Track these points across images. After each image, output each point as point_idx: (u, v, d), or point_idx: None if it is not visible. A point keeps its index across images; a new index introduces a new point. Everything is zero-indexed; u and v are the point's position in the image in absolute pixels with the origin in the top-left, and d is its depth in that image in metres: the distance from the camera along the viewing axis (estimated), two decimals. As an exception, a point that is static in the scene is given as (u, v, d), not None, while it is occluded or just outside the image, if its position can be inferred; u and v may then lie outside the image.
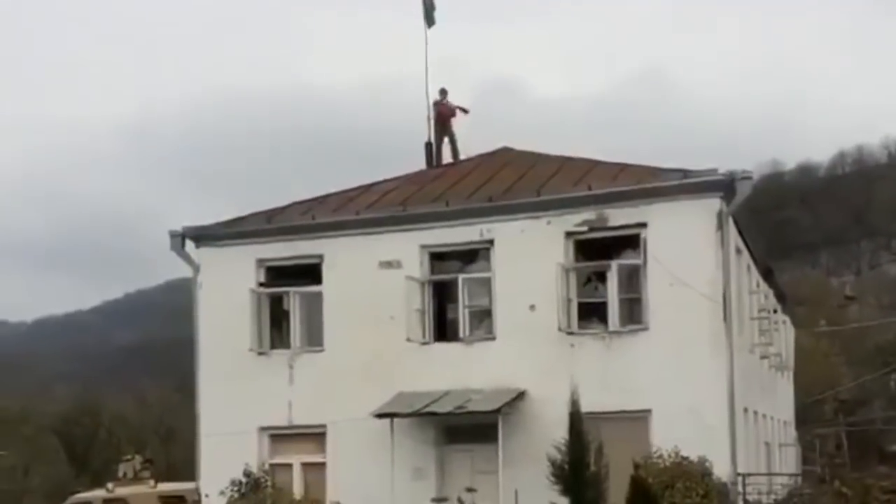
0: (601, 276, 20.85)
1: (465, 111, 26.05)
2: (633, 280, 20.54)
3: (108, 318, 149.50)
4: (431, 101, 25.95)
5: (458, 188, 22.82)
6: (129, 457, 37.38)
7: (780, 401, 30.17)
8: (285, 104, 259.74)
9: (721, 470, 18.50)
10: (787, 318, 32.14)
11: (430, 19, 26.66)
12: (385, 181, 24.40)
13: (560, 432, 18.33)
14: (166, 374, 70.23)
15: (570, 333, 20.34)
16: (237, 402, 22.25)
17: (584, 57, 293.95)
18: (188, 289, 23.69)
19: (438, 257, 21.87)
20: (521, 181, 22.37)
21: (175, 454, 50.85)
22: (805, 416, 42.08)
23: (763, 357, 24.80)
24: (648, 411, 19.60)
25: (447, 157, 25.96)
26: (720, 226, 19.66)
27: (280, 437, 22.37)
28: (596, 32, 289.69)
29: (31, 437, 60.10)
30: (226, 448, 21.79)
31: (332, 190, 24.37)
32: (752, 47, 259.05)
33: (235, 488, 19.93)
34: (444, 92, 25.93)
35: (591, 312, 20.81)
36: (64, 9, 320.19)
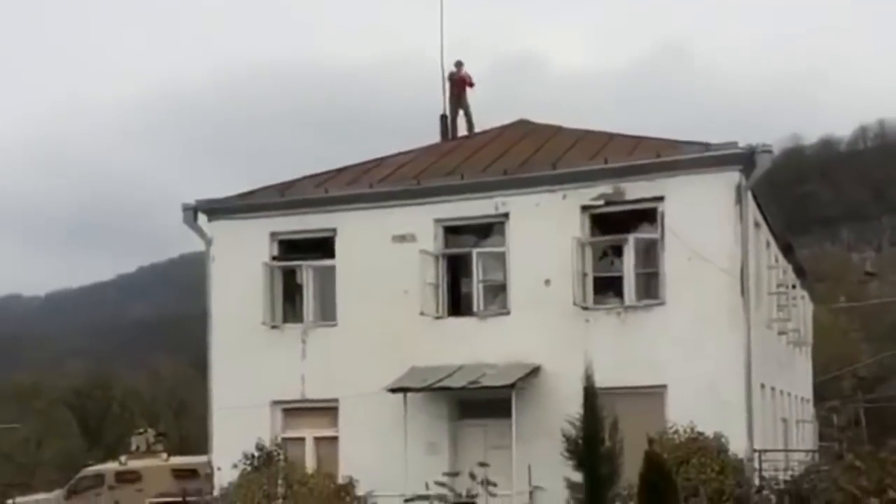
0: (617, 251, 20.78)
1: (471, 84, 25.90)
2: (649, 254, 20.46)
3: (122, 292, 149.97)
4: (447, 74, 25.85)
5: (472, 161, 22.75)
6: (141, 430, 37.72)
7: (798, 377, 30.09)
8: (300, 79, 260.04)
9: (737, 446, 18.46)
10: (805, 294, 31.99)
11: None
12: (399, 154, 24.35)
13: (574, 407, 18.07)
14: (179, 349, 70.50)
15: (586, 308, 20.30)
16: (250, 376, 22.32)
17: (605, 32, 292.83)
18: (201, 263, 23.71)
19: (453, 231, 21.83)
20: (536, 154, 22.28)
21: (188, 428, 51.16)
22: (823, 392, 41.94)
23: (781, 333, 24.72)
24: (664, 387, 19.57)
25: (462, 129, 25.86)
26: (739, 199, 19.55)
27: (293, 411, 22.44)
28: (616, 7, 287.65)
29: (45, 410, 60.51)
30: (238, 422, 21.88)
31: (346, 163, 24.33)
32: (775, 21, 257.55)
33: (248, 462, 20.05)
34: (459, 64, 25.83)
35: (607, 287, 20.76)
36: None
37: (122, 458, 31.68)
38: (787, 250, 26.82)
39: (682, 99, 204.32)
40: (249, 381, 22.33)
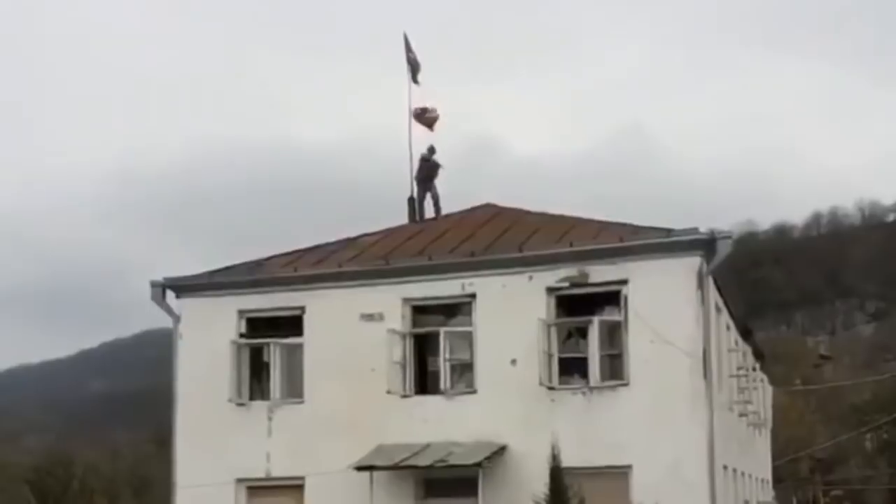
0: (582, 332, 20.86)
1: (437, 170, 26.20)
2: (614, 336, 20.58)
3: (83, 368, 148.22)
4: (417, 157, 26.12)
5: (440, 243, 22.89)
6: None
7: (759, 458, 30.15)
8: (268, 158, 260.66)
9: (701, 527, 18.44)
10: (764, 377, 32.21)
11: (414, 78, 26.90)
12: (367, 235, 24.45)
13: (541, 487, 18.27)
14: (140, 425, 69.60)
15: (551, 388, 20.32)
16: (215, 453, 22.05)
17: (565, 114, 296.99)
18: (164, 339, 23.54)
19: (420, 310, 21.85)
20: (503, 237, 22.47)
21: (149, 506, 50.15)
22: (782, 474, 42.02)
23: (742, 415, 24.83)
24: (629, 467, 19.54)
25: (430, 211, 26.06)
26: (700, 284, 19.77)
27: (258, 489, 22.14)
28: (574, 92, 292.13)
29: (3, 487, 59.21)
30: (202, 500, 21.60)
31: (315, 243, 24.41)
32: (731, 107, 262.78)
33: (212, 541, 19.71)
34: (432, 149, 26.12)
35: (572, 368, 20.81)
36: (56, 57, 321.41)
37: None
38: (747, 334, 27.08)
39: (641, 179, 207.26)
40: (214, 458, 22.05)
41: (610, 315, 20.57)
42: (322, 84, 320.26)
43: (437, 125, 26.41)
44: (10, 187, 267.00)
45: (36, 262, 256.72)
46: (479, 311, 21.11)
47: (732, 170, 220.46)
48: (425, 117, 26.22)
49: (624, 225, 21.79)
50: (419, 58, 27.07)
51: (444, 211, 25.94)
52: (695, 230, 20.03)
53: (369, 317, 21.54)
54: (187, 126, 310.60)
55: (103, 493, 54.94)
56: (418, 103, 26.66)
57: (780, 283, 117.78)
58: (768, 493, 32.41)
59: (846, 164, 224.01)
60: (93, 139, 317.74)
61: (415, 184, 26.15)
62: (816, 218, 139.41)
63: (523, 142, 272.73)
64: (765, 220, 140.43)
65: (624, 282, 20.24)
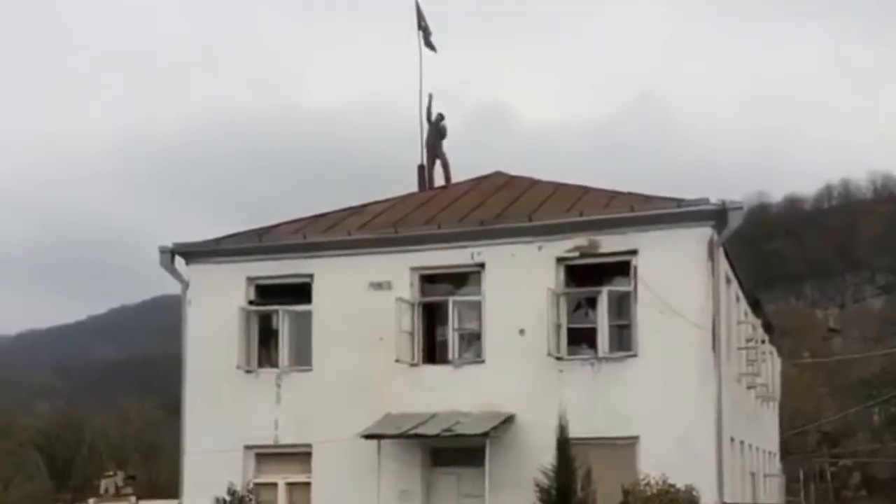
0: (591, 302, 20.84)
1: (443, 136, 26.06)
2: (622, 307, 20.53)
3: (92, 334, 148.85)
4: (425, 125, 26.01)
5: (449, 211, 22.82)
6: (110, 473, 37.25)
7: (766, 431, 30.17)
8: (280, 125, 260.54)
9: (708, 498, 18.47)
10: (773, 349, 32.16)
11: (428, 44, 26.73)
12: (377, 202, 24.38)
13: (548, 457, 18.30)
14: (149, 391, 69.88)
15: (559, 359, 20.31)
16: (223, 420, 22.11)
17: (578, 85, 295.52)
18: (173, 306, 23.56)
19: (429, 279, 21.83)
20: (513, 206, 22.38)
21: (158, 471, 50.53)
22: (789, 446, 42.08)
23: (750, 387, 24.80)
24: (636, 438, 19.57)
25: (440, 180, 25.97)
26: (711, 255, 19.69)
27: (265, 456, 22.23)
28: (589, 60, 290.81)
29: (12, 451, 59.65)
30: (210, 466, 21.63)
31: (324, 210, 24.34)
32: (744, 77, 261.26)
33: (219, 507, 19.81)
34: (440, 116, 26.01)
35: (581, 338, 20.79)
36: (63, 25, 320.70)
37: (91, 501, 31.20)
38: (756, 306, 27.01)
39: (653, 152, 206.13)
40: (222, 425, 22.10)
41: (619, 285, 20.53)
42: (330, 50, 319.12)
43: (453, 94, 26.29)
44: (17, 155, 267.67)
45: (45, 229, 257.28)
46: (488, 280, 21.08)
47: (745, 142, 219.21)
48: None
49: (634, 195, 21.68)
50: (431, 24, 26.93)
51: (454, 179, 25.84)
52: (705, 200, 19.93)
53: (378, 285, 21.52)
54: (194, 93, 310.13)
55: (112, 458, 55.24)
56: (431, 71, 26.54)
57: (791, 255, 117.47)
58: (775, 466, 32.46)
59: (859, 137, 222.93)
60: (101, 107, 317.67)
61: (424, 151, 26.05)
62: (828, 190, 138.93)
63: (535, 111, 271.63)
64: (776, 192, 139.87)
65: (634, 252, 20.17)
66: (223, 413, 22.13)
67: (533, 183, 24.23)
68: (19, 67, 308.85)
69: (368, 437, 20.26)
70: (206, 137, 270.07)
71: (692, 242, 19.76)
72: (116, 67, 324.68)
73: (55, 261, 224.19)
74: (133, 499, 31.74)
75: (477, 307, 21.23)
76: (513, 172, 25.56)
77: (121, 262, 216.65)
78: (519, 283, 20.58)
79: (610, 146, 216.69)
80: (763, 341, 26.56)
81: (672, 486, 17.92)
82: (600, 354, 20.26)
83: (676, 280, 19.72)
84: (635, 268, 20.15)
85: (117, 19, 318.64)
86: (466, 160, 27.64)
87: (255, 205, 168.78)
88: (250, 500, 20.25)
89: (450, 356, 21.26)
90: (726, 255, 20.96)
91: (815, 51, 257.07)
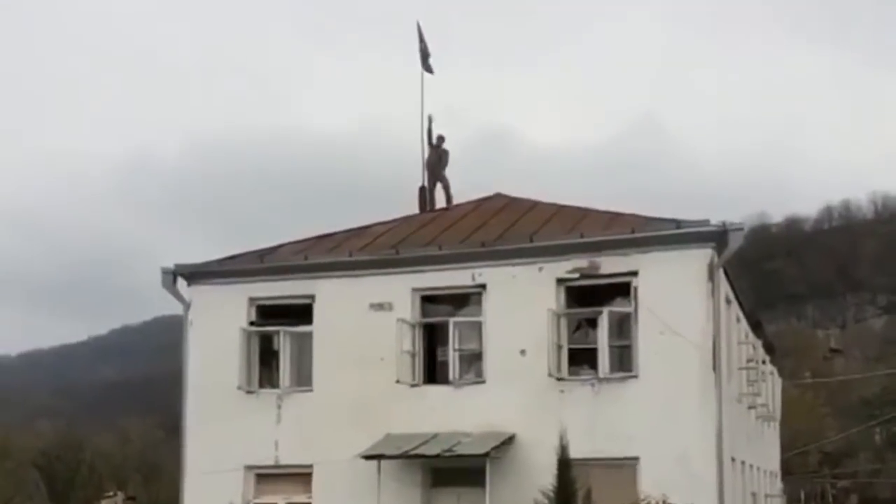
0: (592, 323, 20.88)
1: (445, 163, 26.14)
2: (623, 327, 20.56)
3: (93, 354, 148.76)
4: (426, 147, 26.10)
5: (450, 232, 22.88)
6: (110, 493, 37.23)
7: (767, 451, 30.14)
8: (281, 146, 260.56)
9: (709, 519, 18.45)
10: (774, 370, 32.16)
11: (426, 66, 26.87)
12: (378, 224, 24.44)
13: (548, 478, 18.31)
14: (150, 411, 69.85)
15: (560, 379, 20.33)
16: (224, 440, 22.12)
17: (579, 106, 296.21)
18: (174, 326, 23.59)
19: (430, 300, 21.88)
20: (513, 227, 22.45)
21: (158, 492, 50.41)
22: (790, 467, 41.99)
23: (751, 407, 24.80)
24: (637, 459, 19.55)
25: (441, 201, 26.05)
26: (711, 276, 19.73)
27: (266, 476, 22.21)
28: (590, 82, 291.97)
29: (13, 470, 59.55)
30: (211, 486, 21.65)
31: (326, 231, 24.41)
32: (746, 99, 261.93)
33: (220, 527, 19.81)
34: (441, 139, 26.11)
35: (582, 359, 20.82)
36: (65, 43, 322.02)
37: (91, 522, 31.13)
38: (757, 326, 27.03)
39: (654, 173, 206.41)
40: (223, 445, 22.11)
41: (620, 306, 20.56)
42: (332, 72, 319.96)
43: (454, 115, 26.42)
44: (20, 173, 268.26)
45: (47, 248, 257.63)
46: (489, 301, 21.12)
47: (746, 162, 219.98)
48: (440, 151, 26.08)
49: (635, 216, 21.74)
50: (432, 46, 27.07)
51: (455, 201, 25.91)
52: (706, 222, 20.00)
53: (379, 306, 21.56)
54: (195, 114, 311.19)
55: (112, 479, 55.16)
56: (432, 93, 26.65)
57: (792, 275, 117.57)
58: (776, 486, 32.40)
59: (860, 157, 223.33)
60: (103, 126, 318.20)
61: (425, 172, 26.14)
62: (828, 211, 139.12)
63: (537, 133, 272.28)
64: (777, 213, 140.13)
65: (634, 273, 20.22)
66: (224, 433, 22.13)
67: (534, 204, 24.30)
68: (22, 83, 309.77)
69: (369, 457, 20.27)
70: (207, 158, 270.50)
71: (692, 264, 19.81)
72: (117, 88, 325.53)
73: (57, 281, 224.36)
74: (133, 519, 31.67)
75: (478, 328, 21.27)
76: (514, 194, 25.63)
77: (122, 283, 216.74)
78: (520, 304, 20.62)
79: (611, 167, 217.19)
80: (764, 361, 26.59)
81: (672, 506, 17.91)
82: (601, 375, 20.28)
83: (677, 301, 19.76)
84: (636, 289, 20.20)
85: (120, 40, 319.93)
86: (468, 182, 27.74)
87: (257, 225, 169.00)
88: (251, 520, 20.26)
89: (450, 377, 21.27)
90: (727, 275, 21.00)
91: (816, 72, 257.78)
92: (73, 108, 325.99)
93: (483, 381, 20.97)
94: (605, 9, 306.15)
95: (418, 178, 26.23)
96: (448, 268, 21.43)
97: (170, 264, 23.17)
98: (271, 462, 22.01)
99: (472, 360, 21.44)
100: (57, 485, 60.84)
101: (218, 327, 22.54)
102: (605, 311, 20.50)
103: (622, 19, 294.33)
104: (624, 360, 20.43)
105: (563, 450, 18.35)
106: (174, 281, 23.10)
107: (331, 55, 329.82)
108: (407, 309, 21.48)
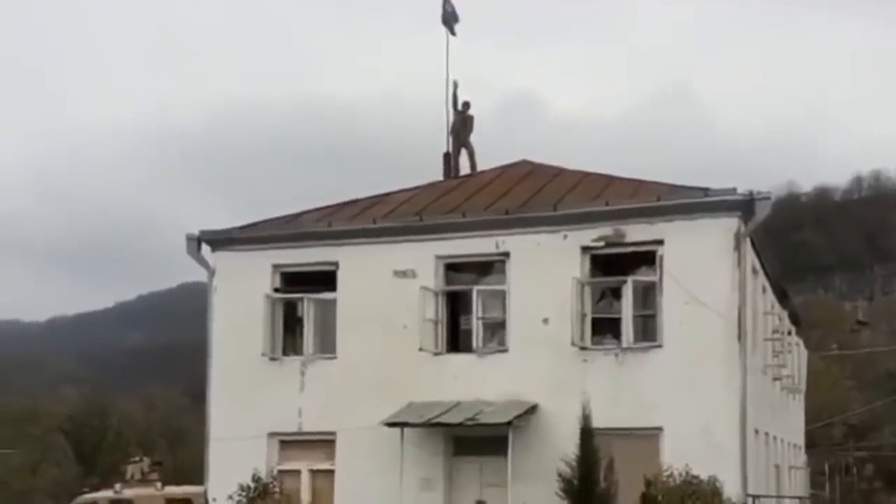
0: (616, 292, 20.78)
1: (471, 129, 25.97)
2: (648, 297, 20.46)
3: (120, 320, 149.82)
4: (451, 113, 25.95)
5: (474, 200, 22.78)
6: (136, 458, 37.47)
7: (791, 423, 30.01)
8: (305, 113, 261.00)
9: (731, 490, 18.39)
10: (800, 341, 31.97)
11: (451, 29, 26.63)
12: (402, 191, 24.36)
13: (571, 447, 18.31)
14: (176, 377, 70.33)
15: (584, 348, 20.27)
16: (248, 407, 22.21)
17: (605, 74, 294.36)
18: (201, 292, 23.64)
19: (453, 268, 21.82)
20: (538, 195, 22.32)
21: (183, 458, 50.78)
22: (814, 439, 41.81)
23: (775, 379, 24.68)
24: (660, 429, 19.51)
25: (465, 168, 25.93)
26: (737, 245, 19.57)
27: (289, 443, 22.31)
28: (618, 50, 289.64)
29: (40, 436, 60.17)
30: (235, 453, 21.73)
31: (349, 198, 24.34)
32: (774, 68, 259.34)
33: (243, 493, 19.97)
34: (466, 105, 25.93)
35: (605, 328, 20.74)
36: (88, 14, 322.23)
37: (117, 487, 31.34)
38: (783, 297, 26.84)
39: (682, 142, 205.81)
40: (247, 412, 22.20)
41: (644, 275, 20.46)
42: (355, 38, 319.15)
43: (480, 83, 26.28)
44: (46, 143, 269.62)
45: (72, 216, 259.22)
46: (513, 269, 21.04)
47: (776, 132, 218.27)
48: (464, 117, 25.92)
49: (661, 184, 21.58)
50: (459, 10, 26.85)
51: (479, 167, 25.80)
52: (732, 190, 19.82)
53: (402, 273, 21.52)
54: (217, 83, 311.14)
55: (138, 445, 55.61)
56: (457, 60, 26.48)
57: (820, 246, 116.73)
58: (801, 458, 32.29)
59: (891, 127, 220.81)
60: (131, 94, 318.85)
61: (450, 139, 26.00)
62: (858, 181, 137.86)
63: (563, 100, 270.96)
64: (806, 183, 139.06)
65: (660, 242, 20.09)
66: (248, 400, 22.22)
67: (558, 172, 24.15)
68: (44, 58, 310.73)
69: (391, 424, 20.30)
70: (230, 126, 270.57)
71: (718, 233, 19.65)
72: (140, 57, 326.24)
73: (83, 248, 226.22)
74: (159, 484, 31.83)
75: (501, 296, 21.21)
76: (538, 161, 25.49)
77: (148, 249, 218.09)
78: (543, 273, 20.54)
79: (637, 136, 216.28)
80: (789, 333, 26.46)
81: (695, 477, 17.88)
82: (624, 345, 20.20)
83: (702, 270, 19.63)
84: (661, 258, 20.07)
85: (144, 9, 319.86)
86: (493, 148, 27.62)
87: (280, 193, 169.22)
88: (274, 487, 20.34)
89: (474, 345, 21.25)
90: (753, 245, 20.83)
91: (849, 41, 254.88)
92: (95, 77, 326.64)
93: (506, 350, 20.93)
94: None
95: (443, 144, 26.12)
96: (472, 235, 21.36)
97: (195, 231, 23.22)
98: (295, 429, 22.10)
99: (496, 329, 21.41)
100: (84, 450, 61.42)
101: (242, 294, 22.58)
102: (630, 280, 20.40)
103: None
104: (648, 330, 20.34)
105: (586, 419, 18.32)
106: (198, 247, 23.14)
107: (354, 21, 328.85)
108: (430, 277, 21.43)
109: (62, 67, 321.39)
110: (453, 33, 26.69)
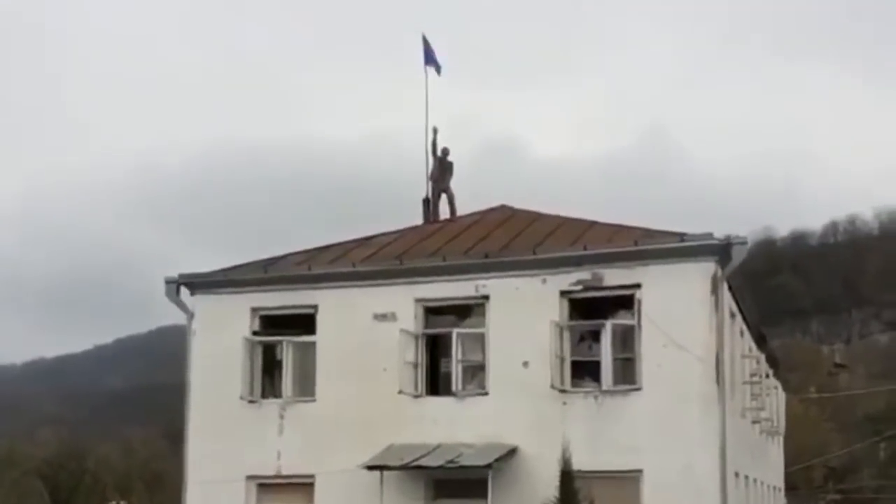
0: (595, 335, 20.81)
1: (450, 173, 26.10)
2: (626, 340, 20.50)
3: (98, 363, 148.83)
4: (430, 159, 26.08)
5: (454, 244, 22.86)
6: (114, 503, 37.12)
7: (771, 466, 30.03)
8: (286, 157, 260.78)
9: (712, 534, 18.37)
10: (778, 384, 32.05)
11: (436, 67, 26.81)
12: (382, 234, 24.44)
13: (551, 490, 18.26)
14: (154, 420, 69.87)
15: (563, 391, 20.27)
16: (226, 450, 22.08)
17: (586, 118, 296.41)
18: (179, 335, 23.58)
19: (433, 311, 21.83)
20: (517, 239, 22.42)
21: (161, 501, 50.42)
22: (795, 481, 41.82)
23: (755, 421, 24.72)
24: (640, 472, 19.47)
25: (445, 212, 26.03)
26: (715, 289, 19.68)
27: (268, 486, 22.15)
28: (598, 94, 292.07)
29: (17, 480, 59.49)
30: (213, 496, 21.65)
31: (330, 242, 24.40)
32: (753, 111, 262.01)
33: (222, 537, 19.77)
34: (445, 151, 26.08)
35: (585, 371, 20.77)
36: (74, 52, 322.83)
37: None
38: (761, 340, 26.96)
39: (661, 184, 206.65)
40: (225, 455, 22.07)
41: (623, 319, 20.50)
42: (338, 84, 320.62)
43: (460, 128, 26.43)
44: (27, 181, 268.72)
45: (52, 256, 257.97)
46: (492, 312, 21.07)
47: (753, 174, 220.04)
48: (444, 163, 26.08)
49: (638, 229, 21.70)
50: (440, 57, 27.07)
51: (459, 212, 25.90)
52: (709, 235, 19.96)
53: (382, 316, 21.54)
54: (200, 124, 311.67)
55: (115, 488, 55.10)
56: (437, 105, 26.67)
57: (797, 290, 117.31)
58: (780, 501, 32.27)
59: (866, 171, 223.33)
60: (108, 135, 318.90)
61: (430, 184, 26.13)
62: (834, 226, 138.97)
63: (544, 144, 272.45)
64: (783, 227, 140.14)
65: (637, 286, 20.17)
66: (226, 443, 22.10)
67: (537, 216, 24.27)
68: (29, 94, 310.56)
69: (371, 468, 20.21)
70: (211, 168, 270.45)
71: (696, 277, 19.75)
72: (124, 96, 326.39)
73: (62, 290, 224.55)
74: (136, 529, 31.63)
75: (481, 339, 21.23)
76: (519, 206, 25.61)
77: (128, 292, 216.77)
78: (523, 316, 20.58)
79: (618, 179, 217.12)
80: (768, 375, 26.48)
81: (675, 520, 17.82)
82: (604, 387, 20.21)
83: (680, 314, 19.70)
84: (639, 301, 20.15)
85: (131, 47, 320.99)
86: (474, 193, 27.77)
87: (261, 235, 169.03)
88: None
89: (453, 388, 21.21)
90: (730, 289, 20.96)
91: (825, 84, 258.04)
92: (80, 115, 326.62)
93: (486, 393, 20.92)
94: (614, 23, 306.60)
95: (423, 189, 26.24)
96: (451, 279, 21.40)
97: (174, 274, 23.18)
98: (273, 472, 21.96)
99: (475, 372, 21.40)
100: (61, 494, 60.76)
101: (221, 337, 22.53)
102: (609, 323, 20.44)
103: (631, 33, 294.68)
104: (627, 373, 20.36)
105: (566, 462, 18.29)
106: (177, 291, 23.10)
107: (337, 66, 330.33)
108: (410, 320, 21.45)
109: (45, 104, 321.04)
110: (438, 72, 26.89)
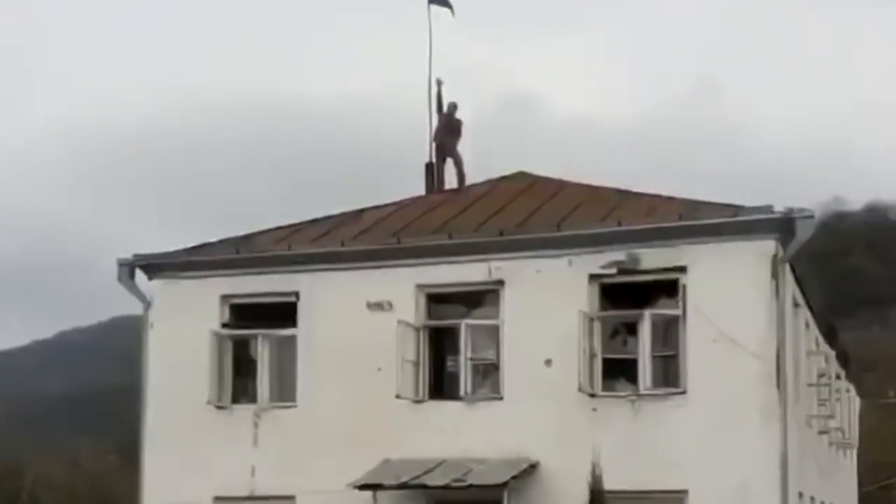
0: (631, 329, 20.95)
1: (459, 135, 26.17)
2: (669, 334, 20.62)
3: (36, 361, 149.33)
4: (434, 116, 26.12)
5: (463, 218, 22.97)
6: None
7: (842, 485, 30.18)
8: (269, 117, 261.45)
9: (770, 566, 18.52)
10: (851, 387, 32.15)
11: (449, 7, 26.86)
12: (378, 207, 24.56)
13: (578, 514, 18.36)
14: (104, 431, 70.20)
15: (593, 395, 20.40)
16: (190, 465, 22.26)
17: (618, 73, 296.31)
18: (132, 329, 23.69)
19: (437, 299, 21.97)
20: (538, 212, 22.52)
21: (112, 527, 50.70)
22: (871, 503, 41.95)
23: (822, 432, 24.84)
24: (685, 492, 19.62)
25: (452, 181, 26.09)
26: (775, 273, 19.75)
27: (240, 509, 22.36)
28: (630, 43, 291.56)
29: (-61, 501, 59.88)
30: (174, 521, 21.82)
31: (315, 216, 24.47)
32: (818, 66, 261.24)
33: (185, 570, 19.95)
34: (453, 106, 26.09)
35: (619, 371, 20.90)
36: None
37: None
38: (831, 335, 27.04)
39: (708, 151, 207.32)
40: (189, 472, 22.26)
41: (665, 308, 20.62)
42: (330, 35, 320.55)
43: (465, 81, 26.48)
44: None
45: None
46: (508, 300, 21.19)
47: (819, 140, 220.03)
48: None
49: (683, 200, 21.81)
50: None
51: (469, 180, 25.97)
52: (769, 208, 20.01)
53: (377, 305, 21.67)
54: (174, 76, 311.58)
55: (58, 511, 55.49)
56: (444, 54, 26.71)
57: (874, 273, 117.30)
58: (852, 527, 32.41)
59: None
60: (51, 97, 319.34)
61: (433, 146, 26.16)
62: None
63: (569, 101, 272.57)
64: (856, 199, 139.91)
65: (682, 269, 20.25)
66: (190, 457, 22.27)
67: (562, 185, 24.39)
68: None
69: (363, 487, 20.34)
70: (180, 129, 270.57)
71: (752, 258, 19.83)
72: (78, 48, 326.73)
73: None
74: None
75: (494, 333, 21.36)
76: (539, 172, 25.69)
77: (72, 279, 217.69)
78: (545, 305, 20.69)
79: (655, 143, 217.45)
80: (839, 377, 26.62)
81: (726, 549, 17.97)
82: (641, 391, 20.33)
83: (733, 303, 19.78)
84: (684, 288, 20.23)
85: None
86: (486, 157, 27.81)
87: (239, 211, 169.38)
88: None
89: (461, 391, 21.36)
90: (794, 273, 21.02)
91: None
92: (19, 77, 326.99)
93: (500, 398, 21.06)
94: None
95: (425, 153, 26.29)
96: (459, 260, 21.51)
97: (128, 255, 23.30)
98: (246, 492, 22.15)
99: (488, 372, 21.55)
100: (-9, 517, 61.24)
101: (184, 330, 22.67)
102: (647, 313, 20.54)
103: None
104: (669, 374, 20.49)
105: (596, 480, 18.43)
106: (132, 275, 23.27)
107: (330, 16, 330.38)
108: (410, 309, 21.57)
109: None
110: (452, 13, 26.97)
